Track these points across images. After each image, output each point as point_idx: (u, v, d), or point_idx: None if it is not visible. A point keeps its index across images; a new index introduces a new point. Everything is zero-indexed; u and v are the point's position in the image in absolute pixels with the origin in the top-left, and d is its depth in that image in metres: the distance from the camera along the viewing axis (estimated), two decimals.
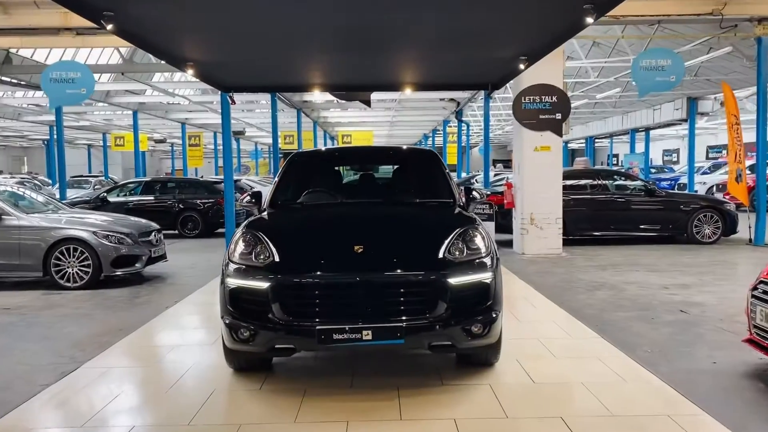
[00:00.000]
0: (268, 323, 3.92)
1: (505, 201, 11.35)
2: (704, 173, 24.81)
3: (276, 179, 5.64)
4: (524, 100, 10.71)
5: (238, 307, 4.07)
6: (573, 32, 6.38)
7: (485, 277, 4.09)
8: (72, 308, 7.07)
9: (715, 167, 25.95)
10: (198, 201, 14.88)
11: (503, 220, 11.60)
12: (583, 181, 12.19)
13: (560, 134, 10.82)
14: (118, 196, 15.33)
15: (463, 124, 23.84)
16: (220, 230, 14.20)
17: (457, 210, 4.98)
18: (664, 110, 24.24)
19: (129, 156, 36.36)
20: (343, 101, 18.83)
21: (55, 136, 26.80)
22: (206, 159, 40.13)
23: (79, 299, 7.56)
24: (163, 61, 7.32)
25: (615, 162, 39.55)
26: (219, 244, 12.69)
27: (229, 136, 11.20)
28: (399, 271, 3.93)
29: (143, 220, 9.40)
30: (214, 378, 4.50)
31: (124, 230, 8.51)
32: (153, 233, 8.98)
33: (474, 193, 5.49)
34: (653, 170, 30.37)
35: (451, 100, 21.85)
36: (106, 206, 14.69)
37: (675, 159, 41.56)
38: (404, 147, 6.69)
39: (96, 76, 19.46)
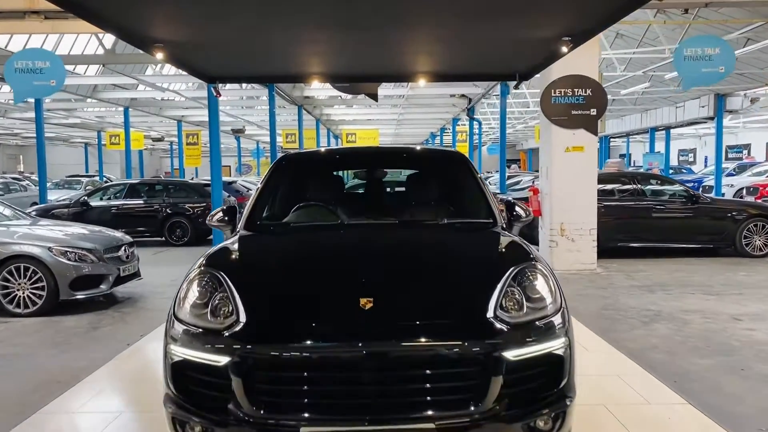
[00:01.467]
0: (229, 418, 2.57)
1: (531, 209, 9.93)
2: (730, 175, 23.37)
3: (257, 188, 4.28)
4: (554, 93, 9.34)
5: (186, 390, 2.72)
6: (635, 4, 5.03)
7: (556, 345, 2.73)
8: (10, 345, 5.75)
9: (741, 168, 24.52)
10: (187, 205, 13.55)
11: (527, 230, 10.22)
12: (616, 186, 10.80)
13: (595, 132, 9.45)
14: (101, 199, 13.99)
15: (474, 123, 22.46)
16: (211, 237, 12.89)
17: (504, 236, 3.61)
18: (688, 108, 22.85)
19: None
20: (348, 95, 17.45)
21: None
22: (206, 158, 38.89)
23: (26, 331, 6.24)
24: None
25: (630, 162, 38.13)
26: None
27: (217, 133, 9.89)
28: (427, 339, 2.58)
29: (115, 233, 8.07)
30: None
31: (87, 245, 7.18)
32: (123, 248, 7.64)
33: (518, 209, 4.15)
34: (670, 171, 28.92)
35: (462, 96, 20.51)
36: (89, 211, 13.42)
37: (691, 159, 40.08)
38: (424, 148, 5.34)
39: (81, 69, 18.21)
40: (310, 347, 2.57)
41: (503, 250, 3.36)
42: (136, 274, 7.94)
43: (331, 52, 6.92)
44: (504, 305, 2.73)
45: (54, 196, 22.95)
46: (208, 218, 4.17)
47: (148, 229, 13.41)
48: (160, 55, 6.11)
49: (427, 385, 2.53)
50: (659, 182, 11.36)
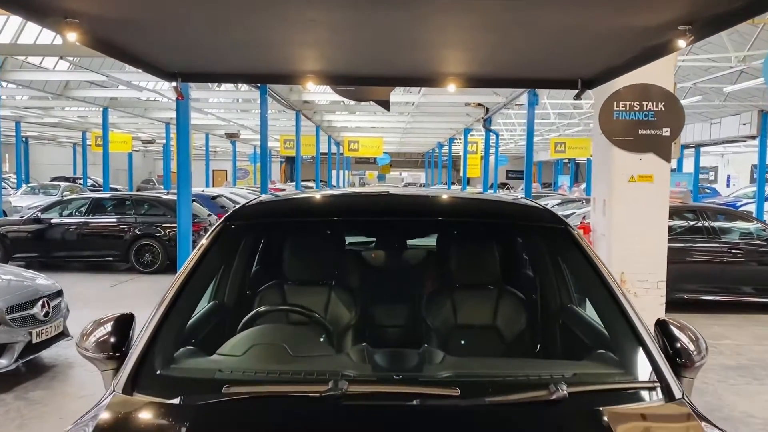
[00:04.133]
0: None
1: None
2: None
3: (176, 279, 2.21)
4: (617, 107, 7.28)
5: None
6: None
7: None
8: None
9: None
10: (160, 225, 11.51)
11: None
12: (681, 223, 8.77)
13: (668, 159, 7.38)
14: (60, 215, 11.91)
15: (490, 134, 20.47)
16: None
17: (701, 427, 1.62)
18: (725, 125, 20.83)
19: (119, 157, 32.96)
20: (353, 102, 15.40)
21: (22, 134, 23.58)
22: (199, 161, 36.75)
23: None
24: None
25: None
26: None
27: (186, 140, 7.89)
28: None
29: (35, 279, 6.03)
30: None
31: None
32: (41, 302, 5.58)
33: (678, 333, 2.13)
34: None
35: (479, 104, 18.48)
36: (45, 230, 11.38)
37: (712, 178, 38.06)
38: (483, 199, 3.29)
39: (50, 63, 16.08)
40: None
41: None
42: (61, 335, 5.88)
43: (331, 45, 4.85)
44: None
45: (26, 202, 20.95)
46: (79, 337, 2.12)
47: (112, 251, 11.37)
48: (72, 36, 4.05)
49: None
50: (729, 218, 9.31)
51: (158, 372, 1.84)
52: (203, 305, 2.52)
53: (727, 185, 34.59)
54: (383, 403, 1.69)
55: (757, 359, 6.42)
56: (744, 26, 10.33)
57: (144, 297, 9.01)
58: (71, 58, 13.08)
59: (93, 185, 29.81)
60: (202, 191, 15.74)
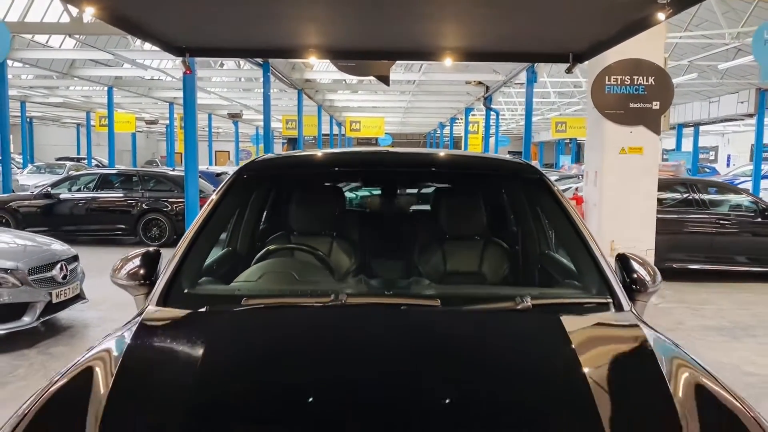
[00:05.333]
0: None
1: None
2: (766, 177, 21.50)
3: (196, 221, 2.52)
4: (608, 81, 7.54)
5: None
6: None
7: None
8: None
9: None
10: (166, 200, 11.82)
11: None
12: (672, 195, 9.06)
13: (657, 131, 7.66)
14: (69, 191, 12.24)
15: (491, 113, 20.69)
16: None
17: (641, 330, 1.93)
18: (723, 103, 21.03)
19: (122, 138, 33.20)
20: (354, 79, 15.62)
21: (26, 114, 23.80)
22: (203, 141, 36.98)
23: None
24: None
25: None
26: None
27: (193, 116, 8.17)
28: None
29: (52, 244, 6.36)
30: None
31: (5, 265, 5.46)
32: (59, 265, 5.92)
33: (636, 266, 2.46)
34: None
35: (479, 83, 18.70)
36: (55, 205, 11.72)
37: (712, 157, 38.20)
38: (475, 157, 3.60)
39: (56, 41, 16.31)
40: None
41: (680, 392, 1.61)
42: (78, 297, 6.23)
43: (333, 19, 5.11)
44: None
45: (32, 181, 21.28)
46: (111, 272, 2.44)
47: (120, 226, 11.70)
48: (91, 10, 4.34)
49: None
50: (721, 191, 9.59)
51: (186, 291, 2.16)
52: (217, 252, 2.83)
53: (728, 165, 34.73)
54: (377, 304, 2.04)
55: (738, 322, 6.74)
56: (738, 2, 10.52)
57: None
58: (78, 36, 13.32)
59: (97, 165, 30.07)
60: (207, 168, 16.05)
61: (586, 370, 1.66)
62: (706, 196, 9.14)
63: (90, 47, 14.35)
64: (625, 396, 1.58)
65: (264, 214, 3.15)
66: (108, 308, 6.71)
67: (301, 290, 2.19)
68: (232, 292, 2.19)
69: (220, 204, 2.58)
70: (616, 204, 7.62)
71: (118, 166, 26.23)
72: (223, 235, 2.91)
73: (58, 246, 6.34)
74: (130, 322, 2.01)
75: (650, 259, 7.63)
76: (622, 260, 2.45)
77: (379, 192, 3.24)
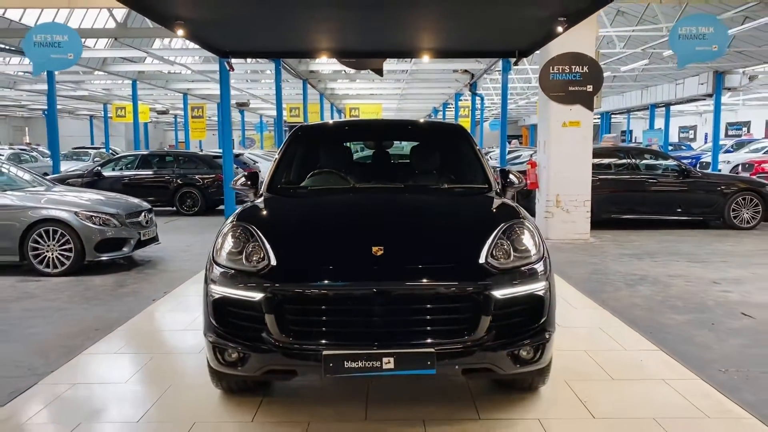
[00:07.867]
0: (261, 345, 3.07)
1: (528, 181, 10.42)
2: (727, 152, 23.73)
3: (276, 157, 4.74)
4: (552, 70, 9.72)
5: (225, 322, 3.22)
6: None
7: (538, 288, 3.22)
8: (46, 300, 6.26)
9: (738, 145, 24.87)
10: (197, 176, 14.01)
11: (525, 202, 10.70)
12: (612, 160, 11.25)
13: (591, 108, 9.85)
14: (113, 170, 14.45)
15: (476, 98, 22.77)
16: (221, 207, 13.40)
17: (497, 199, 4.09)
18: (687, 85, 23.11)
19: (131, 127, 35.31)
20: (353, 71, 17.79)
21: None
22: (210, 131, 39.16)
23: (57, 288, 6.75)
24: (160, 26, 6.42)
25: (630, 139, 38.38)
26: (218, 223, 11.79)
27: (228, 106, 10.30)
28: (429, 280, 3.07)
29: (133, 199, 8.55)
30: (196, 403, 3.67)
31: (110, 210, 7.66)
32: (143, 213, 8.13)
33: (511, 176, 4.59)
34: (670, 147, 29.21)
35: (465, 71, 20.79)
36: (101, 181, 13.89)
37: (692, 136, 40.34)
38: (426, 120, 5.80)
39: (91, 42, 18.53)
40: (329, 286, 3.06)
41: (495, 209, 3.83)
42: (154, 239, 8.44)
43: (339, 31, 7.35)
44: (494, 254, 3.21)
45: (63, 167, 23.43)
46: (232, 183, 4.63)
47: (160, 199, 13.87)
48: (180, 32, 6.54)
49: (429, 317, 3.03)
50: (653, 157, 11.78)
51: (278, 187, 4.37)
52: (286, 169, 4.99)
53: (705, 142, 36.83)
54: (372, 186, 4.33)
55: (649, 251, 8.94)
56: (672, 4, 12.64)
57: (192, 229, 11.61)
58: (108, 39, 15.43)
59: (113, 154, 32.18)
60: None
61: (459, 204, 3.90)
62: (639, 161, 11.34)
63: (121, 45, 16.45)
64: (472, 207, 3.85)
65: (309, 155, 5.33)
66: (170, 252, 8.95)
67: (334, 187, 4.40)
68: (305, 186, 4.42)
69: (287, 149, 4.78)
70: (560, 166, 9.83)
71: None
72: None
73: (138, 201, 8.53)
74: (255, 200, 4.21)
75: (587, 208, 9.86)
76: (502, 173, 4.63)
77: (372, 143, 5.46)
